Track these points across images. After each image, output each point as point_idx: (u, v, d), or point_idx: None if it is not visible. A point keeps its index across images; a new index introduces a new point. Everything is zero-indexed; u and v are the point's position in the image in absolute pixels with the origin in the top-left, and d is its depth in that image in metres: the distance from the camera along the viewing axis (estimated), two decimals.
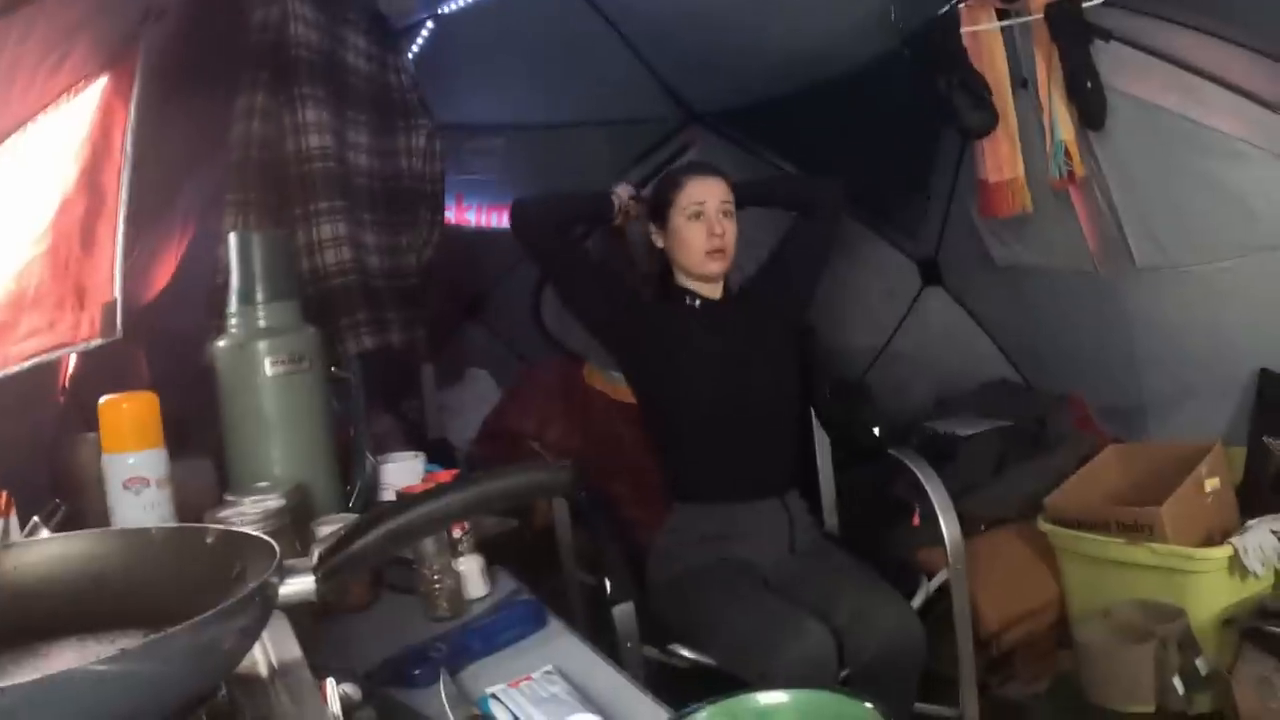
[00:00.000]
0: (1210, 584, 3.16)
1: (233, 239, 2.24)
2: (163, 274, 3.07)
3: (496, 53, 4.07)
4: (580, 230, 3.23)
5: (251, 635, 1.08)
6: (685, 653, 2.67)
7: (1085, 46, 3.26)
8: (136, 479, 1.78)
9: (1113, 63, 3.30)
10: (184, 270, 3.09)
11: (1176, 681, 3.02)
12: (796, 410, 3.20)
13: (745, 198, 3.17)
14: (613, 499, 3.19)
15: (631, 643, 2.47)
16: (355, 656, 1.70)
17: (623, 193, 3.25)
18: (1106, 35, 3.24)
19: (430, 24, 3.86)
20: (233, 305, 2.22)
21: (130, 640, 1.13)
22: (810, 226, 3.23)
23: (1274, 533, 3.14)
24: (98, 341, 2.14)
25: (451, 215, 4.64)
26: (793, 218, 3.30)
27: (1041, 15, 3.28)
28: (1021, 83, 3.51)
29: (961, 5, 3.42)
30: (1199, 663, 3.07)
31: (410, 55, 3.75)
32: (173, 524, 1.75)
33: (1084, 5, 3.18)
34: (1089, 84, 3.29)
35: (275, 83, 2.81)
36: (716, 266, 3.01)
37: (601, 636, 2.24)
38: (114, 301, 2.16)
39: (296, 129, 2.84)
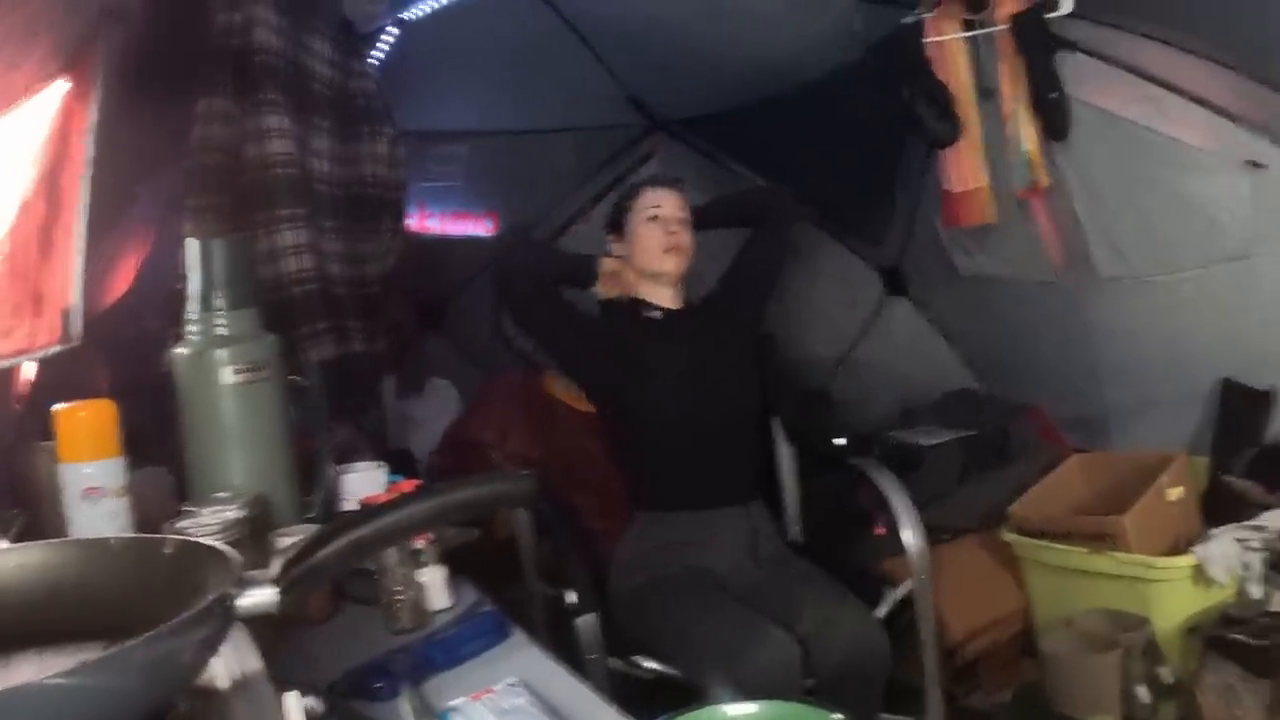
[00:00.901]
0: (1174, 593, 3.16)
1: (192, 245, 2.21)
2: (123, 280, 3.04)
3: (461, 59, 4.06)
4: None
5: (211, 648, 1.07)
6: (649, 664, 2.65)
7: (1050, 57, 3.27)
8: (94, 489, 1.75)
9: (1077, 74, 3.32)
10: (144, 276, 3.06)
11: (1141, 690, 3.03)
12: (757, 419, 3.21)
13: (702, 222, 3.20)
14: (575, 509, 3.18)
15: (595, 654, 2.46)
16: (317, 669, 1.68)
17: (610, 263, 3.21)
18: (1071, 46, 3.25)
19: (395, 30, 3.85)
20: (192, 312, 2.19)
21: (89, 653, 1.10)
22: (764, 234, 3.29)
23: (1238, 541, 3.16)
24: (56, 348, 2.11)
25: (414, 223, 4.61)
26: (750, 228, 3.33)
27: (1006, 26, 3.29)
28: (986, 93, 3.51)
29: (926, 15, 3.43)
30: (1163, 671, 3.07)
31: (375, 61, 3.73)
32: (131, 534, 1.73)
33: (1049, 16, 3.19)
34: (1053, 95, 3.30)
35: (238, 87, 2.79)
36: (673, 264, 3.04)
37: (565, 648, 2.23)
38: (73, 307, 2.14)
39: (258, 134, 2.82)
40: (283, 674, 1.30)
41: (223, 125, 2.75)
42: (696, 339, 3.07)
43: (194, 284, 2.19)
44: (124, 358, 2.73)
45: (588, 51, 4.24)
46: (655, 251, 3.04)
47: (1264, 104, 3.07)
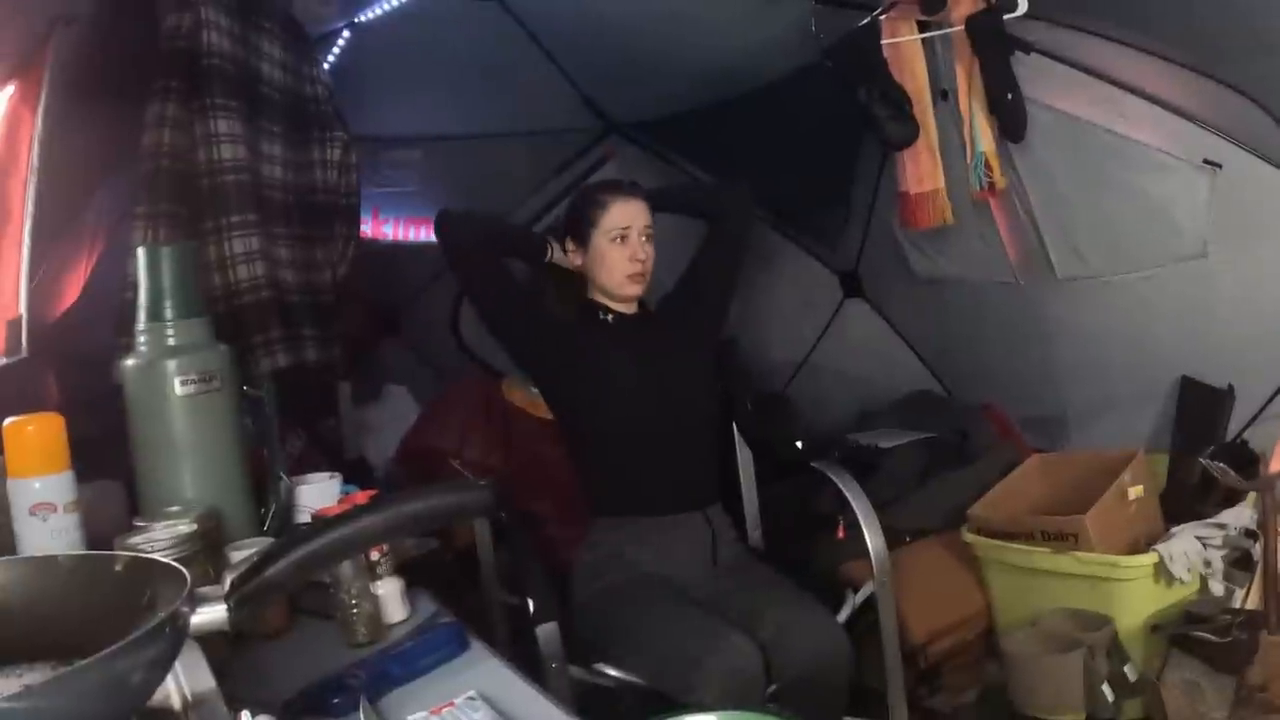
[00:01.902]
0: (1136, 591, 3.18)
1: (141, 253, 2.16)
2: (71, 290, 2.99)
3: (415, 63, 4.04)
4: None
5: (163, 667, 1.05)
6: (611, 672, 2.63)
7: (1006, 59, 3.28)
8: (43, 504, 1.71)
9: (1034, 75, 3.33)
10: (94, 286, 3.01)
11: (1105, 689, 3.04)
12: (716, 423, 3.18)
13: (654, 205, 3.14)
14: (535, 516, 3.16)
15: (556, 663, 2.43)
16: (272, 685, 1.65)
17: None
18: (1027, 47, 3.26)
19: (347, 33, 3.82)
20: (141, 322, 2.15)
21: (38, 674, 1.09)
22: (720, 234, 3.21)
23: (1198, 539, 3.18)
24: (2, 360, 2.07)
25: (368, 229, 4.58)
26: (705, 228, 3.28)
27: (962, 27, 3.29)
28: (942, 94, 3.52)
29: (882, 17, 3.43)
30: (1127, 669, 3.09)
31: (326, 65, 3.70)
32: (81, 551, 1.70)
33: (1005, 17, 3.20)
34: (1009, 96, 3.31)
35: (187, 92, 2.75)
36: (636, 290, 2.99)
37: (526, 657, 2.20)
38: (19, 319, 2.10)
39: (208, 140, 2.79)
40: (237, 692, 1.28)
41: (172, 131, 2.72)
42: (650, 343, 3.03)
43: (143, 293, 2.15)
44: (73, 369, 2.69)
45: (543, 54, 4.23)
46: (620, 276, 2.97)
47: (1221, 103, 3.09)
